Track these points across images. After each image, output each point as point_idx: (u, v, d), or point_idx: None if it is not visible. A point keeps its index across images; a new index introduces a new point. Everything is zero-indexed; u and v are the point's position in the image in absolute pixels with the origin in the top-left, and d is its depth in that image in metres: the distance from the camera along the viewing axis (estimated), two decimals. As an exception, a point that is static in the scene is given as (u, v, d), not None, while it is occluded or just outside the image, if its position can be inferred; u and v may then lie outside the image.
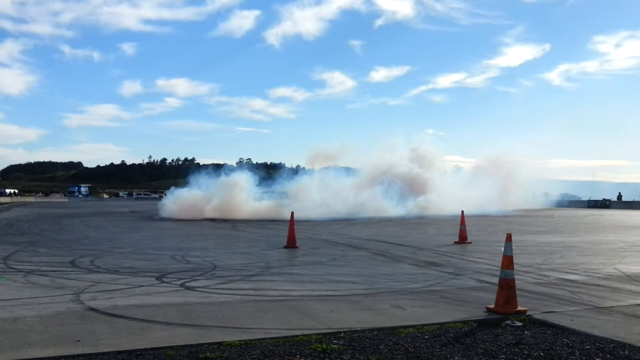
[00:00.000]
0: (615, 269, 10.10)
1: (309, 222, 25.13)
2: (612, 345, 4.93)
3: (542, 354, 4.68)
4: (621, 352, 4.73)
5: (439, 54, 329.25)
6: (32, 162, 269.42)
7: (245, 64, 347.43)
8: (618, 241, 16.25)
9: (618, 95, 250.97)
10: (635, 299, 7.13)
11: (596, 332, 5.34)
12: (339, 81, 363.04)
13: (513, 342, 5.04)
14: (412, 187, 42.92)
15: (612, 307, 6.62)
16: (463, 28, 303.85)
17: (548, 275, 9.18)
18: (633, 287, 8.07)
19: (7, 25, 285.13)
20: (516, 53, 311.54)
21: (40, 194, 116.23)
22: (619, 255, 12.37)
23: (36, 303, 6.66)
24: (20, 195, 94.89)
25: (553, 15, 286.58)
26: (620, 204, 57.18)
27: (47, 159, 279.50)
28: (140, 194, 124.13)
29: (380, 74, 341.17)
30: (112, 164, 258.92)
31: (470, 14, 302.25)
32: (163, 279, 8.66)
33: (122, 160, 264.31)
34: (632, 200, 59.15)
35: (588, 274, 9.38)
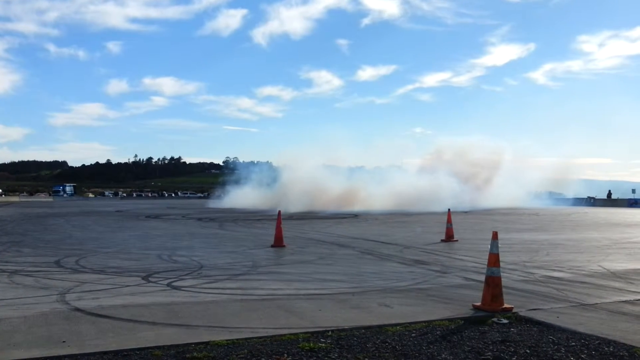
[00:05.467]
0: (600, 266, 10.20)
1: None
2: (597, 341, 4.97)
3: (528, 351, 4.71)
4: (606, 348, 4.77)
5: (425, 53, 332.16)
6: (17, 161, 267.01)
7: (232, 62, 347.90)
8: (603, 238, 16.41)
9: (602, 94, 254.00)
10: (619, 296, 7.21)
11: (581, 329, 5.38)
12: (325, 80, 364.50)
13: (499, 339, 5.07)
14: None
15: (597, 304, 6.68)
16: (449, 27, 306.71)
17: (534, 273, 9.25)
18: (617, 284, 8.15)
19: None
20: (501, 52, 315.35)
21: (25, 194, 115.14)
22: (603, 253, 12.49)
23: (21, 304, 6.59)
24: (5, 195, 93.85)
25: (537, 15, 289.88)
26: (604, 201, 57.92)
27: (31, 158, 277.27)
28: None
29: (367, 73, 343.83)
30: (97, 163, 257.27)
31: (455, 13, 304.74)
32: (149, 278, 8.61)
33: (108, 159, 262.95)
34: (616, 198, 59.91)
35: (573, 272, 9.46)
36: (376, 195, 42.39)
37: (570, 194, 65.09)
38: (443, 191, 42.30)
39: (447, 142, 60.10)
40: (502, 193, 50.85)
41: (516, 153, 59.33)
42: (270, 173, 54.54)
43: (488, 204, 46.51)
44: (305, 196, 41.12)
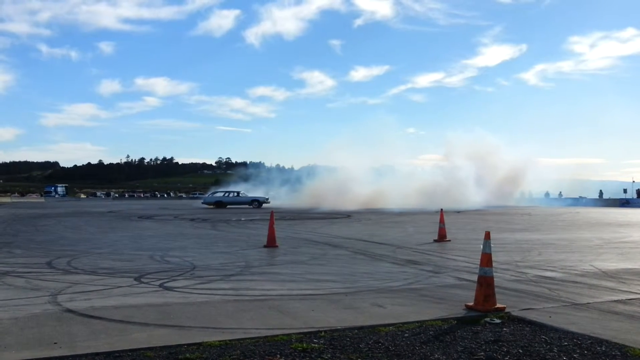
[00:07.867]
0: (591, 265, 10.24)
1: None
2: (589, 341, 4.99)
3: (520, 350, 4.72)
4: (598, 347, 4.79)
5: (418, 54, 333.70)
6: (8, 162, 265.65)
7: (225, 63, 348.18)
8: (594, 238, 16.48)
9: (593, 95, 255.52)
10: (611, 295, 7.24)
11: (573, 329, 5.40)
12: (318, 80, 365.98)
13: (492, 339, 5.08)
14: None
15: (589, 303, 6.71)
16: (441, 28, 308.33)
17: (526, 273, 9.27)
18: (609, 284, 8.18)
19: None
20: (493, 53, 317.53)
21: (16, 194, 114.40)
22: (595, 252, 12.55)
23: (12, 305, 6.53)
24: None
25: (529, 16, 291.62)
26: (595, 201, 58.29)
27: (23, 159, 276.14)
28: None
29: (359, 74, 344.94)
30: (89, 163, 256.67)
31: (448, 14, 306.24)
32: (141, 279, 8.57)
33: (100, 160, 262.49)
34: (608, 198, 60.28)
35: (565, 271, 9.50)
36: (402, 194, 43.29)
37: (562, 194, 65.57)
38: (464, 190, 43.44)
39: (457, 141, 61.15)
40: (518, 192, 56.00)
41: (526, 154, 61.22)
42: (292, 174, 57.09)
43: (505, 204, 50.25)
44: (333, 196, 42.79)
